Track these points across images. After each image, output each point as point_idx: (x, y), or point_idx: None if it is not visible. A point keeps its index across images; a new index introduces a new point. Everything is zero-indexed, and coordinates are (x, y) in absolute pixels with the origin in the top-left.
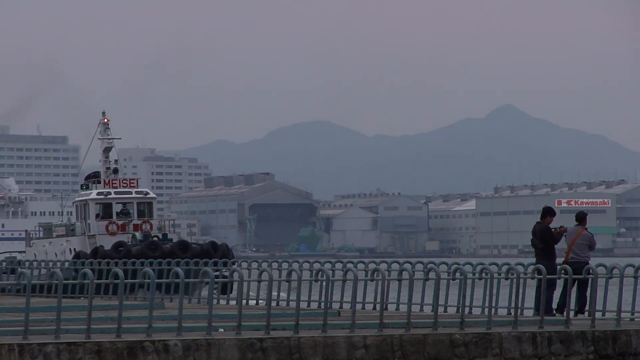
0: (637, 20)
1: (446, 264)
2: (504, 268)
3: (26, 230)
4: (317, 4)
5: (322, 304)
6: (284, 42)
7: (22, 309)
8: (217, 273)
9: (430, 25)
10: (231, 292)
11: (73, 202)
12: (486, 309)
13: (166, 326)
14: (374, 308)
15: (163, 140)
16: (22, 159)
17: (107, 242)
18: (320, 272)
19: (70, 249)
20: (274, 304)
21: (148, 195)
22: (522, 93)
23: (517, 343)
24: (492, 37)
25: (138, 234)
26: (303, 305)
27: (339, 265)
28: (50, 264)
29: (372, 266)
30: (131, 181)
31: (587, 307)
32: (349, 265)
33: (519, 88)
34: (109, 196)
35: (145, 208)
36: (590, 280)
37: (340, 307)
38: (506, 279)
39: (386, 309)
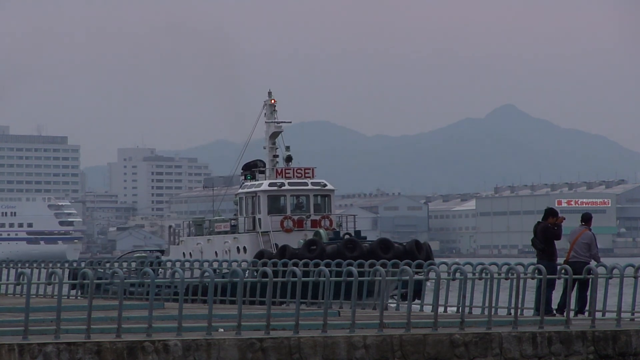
0: (637, 20)
1: (446, 264)
2: (504, 268)
3: (170, 226)
4: (317, 4)
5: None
6: (283, 41)
7: (22, 309)
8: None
9: (430, 25)
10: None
11: (236, 195)
12: (486, 309)
13: (166, 326)
14: (374, 308)
15: (163, 140)
16: (22, 159)
17: (282, 240)
18: (321, 273)
19: (237, 248)
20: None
21: (326, 187)
22: (522, 93)
23: (517, 343)
24: (492, 37)
25: (323, 231)
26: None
27: None
28: (243, 264)
29: None
30: (306, 171)
31: (587, 307)
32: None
33: (519, 88)
34: (282, 188)
35: (323, 201)
36: (590, 280)
37: (340, 307)
38: (506, 279)
39: (386, 309)
